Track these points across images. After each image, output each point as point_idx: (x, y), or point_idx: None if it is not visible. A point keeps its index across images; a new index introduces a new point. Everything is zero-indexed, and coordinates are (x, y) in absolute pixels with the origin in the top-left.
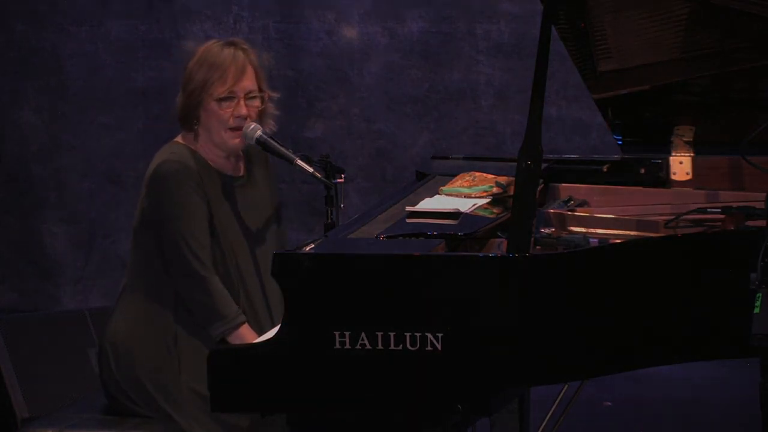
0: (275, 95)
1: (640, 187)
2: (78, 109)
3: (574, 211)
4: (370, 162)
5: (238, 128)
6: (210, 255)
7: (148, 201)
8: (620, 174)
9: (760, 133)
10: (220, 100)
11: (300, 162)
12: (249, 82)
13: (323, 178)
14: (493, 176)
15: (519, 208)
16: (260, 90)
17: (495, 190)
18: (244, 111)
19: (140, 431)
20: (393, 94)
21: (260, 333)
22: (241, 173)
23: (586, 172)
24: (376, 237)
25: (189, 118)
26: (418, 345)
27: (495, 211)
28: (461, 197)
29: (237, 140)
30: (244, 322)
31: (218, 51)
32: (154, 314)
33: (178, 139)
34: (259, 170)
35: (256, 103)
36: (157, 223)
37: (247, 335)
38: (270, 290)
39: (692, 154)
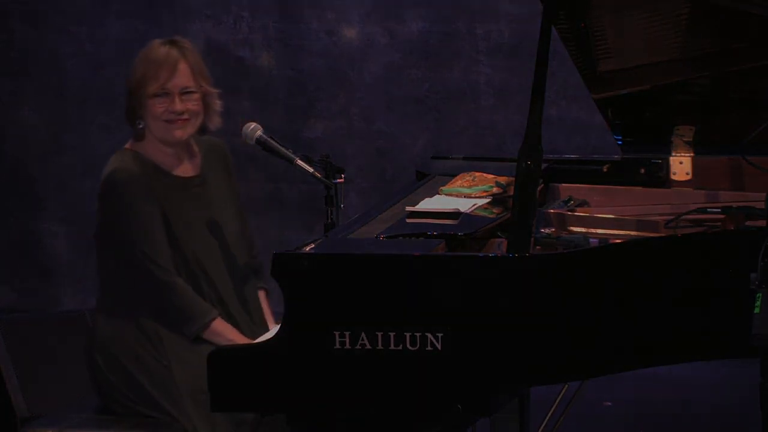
0: (214, 91)
1: (640, 187)
2: (78, 109)
3: (574, 211)
4: (370, 162)
5: (177, 121)
6: (170, 259)
7: (101, 215)
8: (620, 174)
9: (760, 133)
10: (155, 96)
11: (300, 162)
12: (183, 79)
13: (323, 178)
14: (493, 176)
15: (519, 208)
16: (199, 86)
17: (495, 190)
18: (178, 107)
19: (140, 431)
20: (393, 94)
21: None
22: (197, 173)
23: (586, 172)
24: (376, 237)
25: (132, 117)
26: (418, 345)
27: (495, 211)
28: (461, 197)
29: (179, 132)
30: (215, 318)
31: (154, 49)
32: (135, 318)
33: (127, 145)
34: (216, 168)
35: (194, 98)
36: (113, 236)
37: (222, 330)
38: (246, 288)
39: (692, 154)
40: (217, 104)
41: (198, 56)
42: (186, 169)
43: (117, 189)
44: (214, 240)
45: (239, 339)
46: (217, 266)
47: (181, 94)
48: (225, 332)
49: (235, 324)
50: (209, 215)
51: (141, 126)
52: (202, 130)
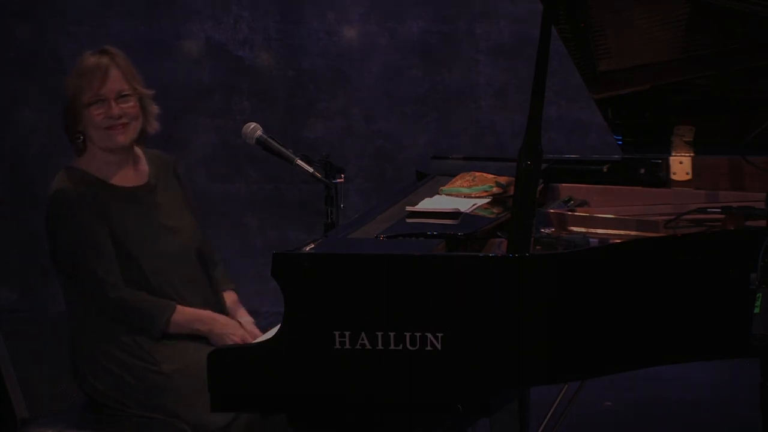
0: (148, 93)
1: (640, 187)
2: None
3: (574, 211)
4: (370, 162)
5: (117, 126)
6: (119, 274)
7: (50, 237)
8: (620, 174)
9: (760, 133)
10: (91, 104)
11: (300, 162)
12: (116, 84)
13: (323, 178)
14: (493, 176)
15: (519, 208)
16: (134, 89)
17: (495, 190)
18: (115, 111)
19: (140, 431)
20: (393, 94)
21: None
22: (144, 181)
23: (586, 172)
24: (376, 237)
25: (72, 132)
26: (418, 345)
27: (495, 211)
28: (461, 197)
29: (121, 137)
30: (174, 311)
31: (84, 60)
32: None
33: (72, 163)
34: (164, 176)
35: (130, 102)
36: (64, 256)
37: (185, 319)
38: (211, 291)
39: (692, 154)
40: (154, 107)
41: (128, 61)
42: (132, 179)
43: (62, 210)
44: (171, 246)
45: (205, 317)
46: (177, 272)
47: (116, 98)
48: (189, 320)
49: None
50: (162, 222)
51: (81, 140)
52: (143, 136)
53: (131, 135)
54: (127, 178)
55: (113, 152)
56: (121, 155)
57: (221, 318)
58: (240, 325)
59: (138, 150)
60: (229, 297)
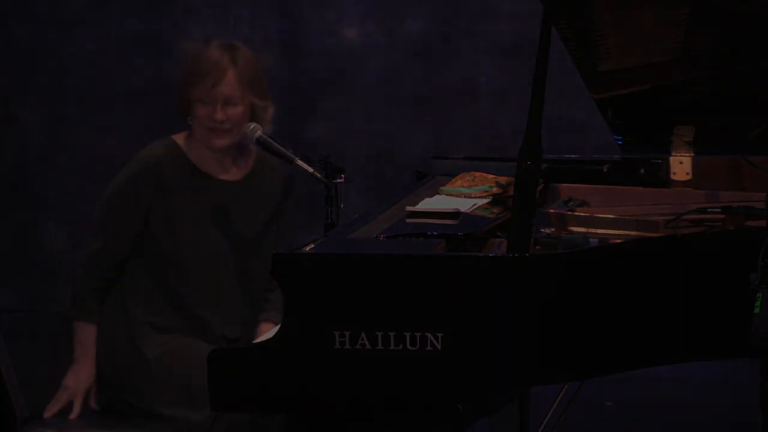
0: (263, 104)
1: (640, 187)
2: (78, 109)
3: (574, 211)
4: (370, 162)
5: (217, 130)
6: (105, 258)
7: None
8: (620, 174)
9: (760, 133)
10: (198, 101)
11: (300, 162)
12: (227, 88)
13: (323, 178)
14: (493, 176)
15: (519, 208)
16: (244, 97)
17: (495, 190)
18: (218, 116)
19: (140, 431)
20: (393, 94)
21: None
22: (237, 178)
23: (586, 172)
24: (376, 237)
25: (181, 112)
26: (418, 345)
27: (495, 211)
28: (461, 197)
29: (219, 141)
30: (79, 320)
31: (207, 52)
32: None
33: (178, 136)
34: (267, 179)
35: (237, 110)
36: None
37: (78, 335)
38: (254, 299)
39: (692, 154)
40: (268, 115)
41: (251, 62)
42: (225, 172)
43: (123, 170)
44: (232, 245)
45: (80, 353)
46: (225, 268)
47: (224, 103)
48: (77, 342)
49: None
50: (237, 221)
51: (190, 122)
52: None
53: (232, 140)
54: (217, 168)
55: (211, 150)
56: (220, 153)
57: (82, 376)
58: (77, 395)
59: (252, 147)
60: (265, 328)
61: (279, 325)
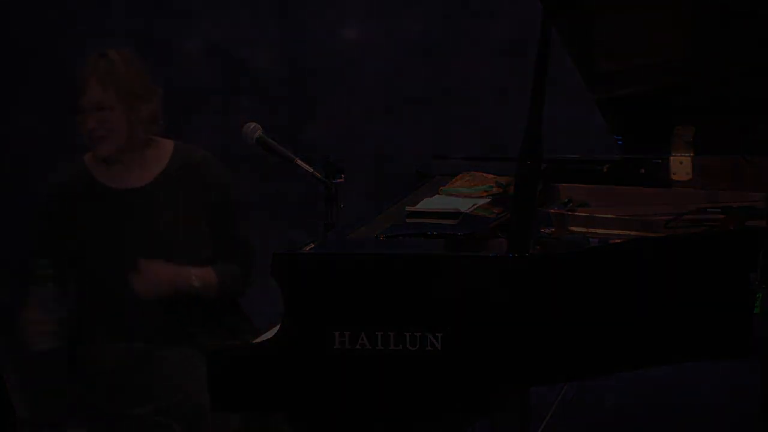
0: (138, 104)
1: (640, 187)
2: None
3: (574, 211)
4: (370, 162)
5: (94, 138)
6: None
7: None
8: (620, 174)
9: (760, 133)
10: (78, 114)
11: (300, 162)
12: (92, 94)
13: (323, 178)
14: (493, 176)
15: (519, 208)
16: (117, 102)
17: (495, 190)
18: (89, 125)
19: (140, 430)
20: (393, 94)
21: None
22: (140, 185)
23: (586, 172)
24: (376, 237)
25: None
26: (418, 345)
27: (495, 211)
28: (461, 197)
29: (99, 148)
30: None
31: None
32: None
33: (84, 155)
34: (186, 179)
35: (108, 114)
36: None
37: None
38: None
39: (692, 154)
40: (147, 112)
41: (121, 69)
42: (124, 180)
43: (43, 200)
44: (128, 253)
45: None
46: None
47: (95, 110)
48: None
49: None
50: (144, 226)
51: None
52: (133, 142)
53: (111, 146)
54: (115, 177)
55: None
56: (117, 158)
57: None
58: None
59: (163, 145)
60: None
61: (279, 325)
